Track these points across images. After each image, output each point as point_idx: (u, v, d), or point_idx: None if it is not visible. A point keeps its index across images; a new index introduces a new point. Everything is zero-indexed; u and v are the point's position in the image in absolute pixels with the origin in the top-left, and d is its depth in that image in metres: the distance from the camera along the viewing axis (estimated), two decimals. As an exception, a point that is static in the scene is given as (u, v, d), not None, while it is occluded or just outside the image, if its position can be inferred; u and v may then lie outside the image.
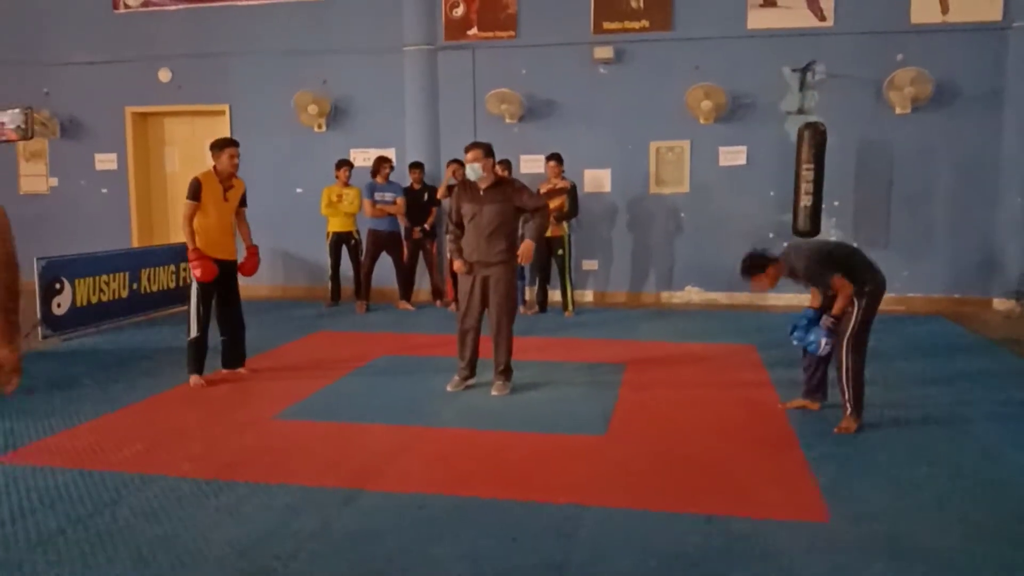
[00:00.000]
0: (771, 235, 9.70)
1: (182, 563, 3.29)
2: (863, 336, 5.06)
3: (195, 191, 5.97)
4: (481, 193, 5.78)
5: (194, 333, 6.13)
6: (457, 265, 5.91)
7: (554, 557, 3.33)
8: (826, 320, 5.02)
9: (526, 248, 5.79)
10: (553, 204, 9.08)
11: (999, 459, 4.49)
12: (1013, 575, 3.16)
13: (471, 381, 6.00)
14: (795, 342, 5.24)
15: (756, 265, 5.20)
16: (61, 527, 3.63)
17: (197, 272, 5.97)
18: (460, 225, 5.90)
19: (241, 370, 6.41)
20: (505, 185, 5.84)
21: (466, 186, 5.88)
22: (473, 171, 5.75)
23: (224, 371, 6.37)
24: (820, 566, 3.24)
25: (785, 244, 8.52)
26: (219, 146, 6.09)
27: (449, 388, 5.92)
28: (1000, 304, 9.34)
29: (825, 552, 3.36)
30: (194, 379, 6.13)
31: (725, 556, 3.33)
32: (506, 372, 5.92)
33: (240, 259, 6.34)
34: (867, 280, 5.07)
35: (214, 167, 6.09)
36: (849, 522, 3.65)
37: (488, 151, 5.77)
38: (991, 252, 9.39)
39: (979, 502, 3.88)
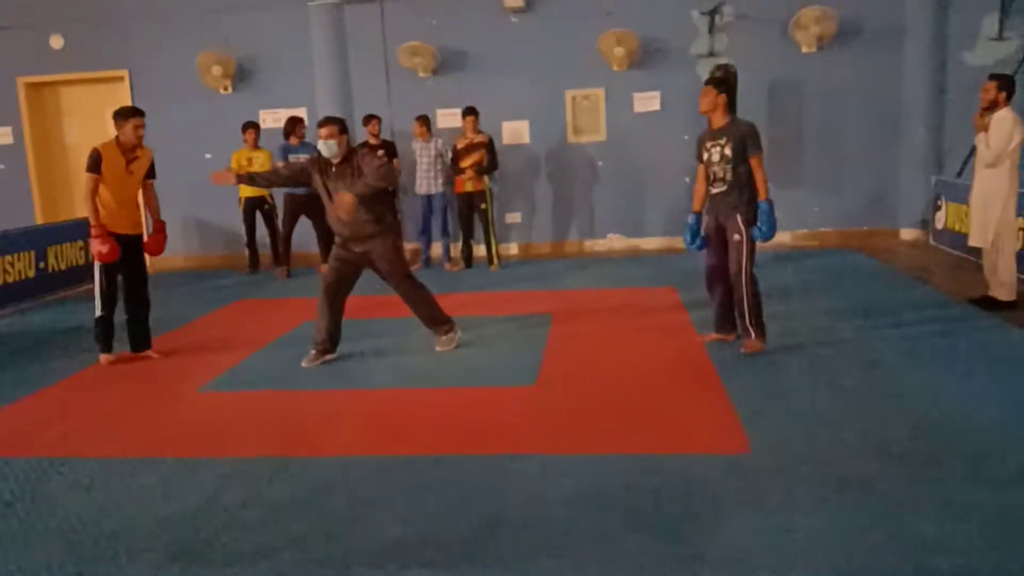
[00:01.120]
0: (687, 179, 9.84)
1: (110, 543, 3.23)
2: (753, 263, 5.33)
3: (95, 163, 5.66)
4: (333, 170, 5.49)
5: (99, 311, 5.89)
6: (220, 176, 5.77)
7: (489, 508, 3.38)
8: (764, 206, 5.24)
9: (339, 200, 5.33)
10: (472, 159, 9.04)
11: (907, 383, 4.71)
12: (920, 492, 3.34)
13: (330, 356, 5.69)
14: (692, 248, 5.59)
15: (721, 82, 5.40)
16: (-20, 518, 3.52)
17: (103, 248, 5.65)
18: (289, 179, 5.84)
19: (149, 352, 6.10)
20: (353, 158, 5.49)
21: (320, 162, 5.55)
22: (328, 148, 5.41)
23: (130, 354, 6.06)
24: (743, 495, 3.37)
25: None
26: (123, 115, 5.76)
27: (304, 364, 5.60)
28: (907, 234, 9.73)
29: (747, 482, 3.50)
30: (104, 358, 5.94)
31: (655, 493, 3.43)
32: (437, 327, 5.85)
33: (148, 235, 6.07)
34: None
35: (116, 138, 5.79)
36: (769, 452, 3.80)
37: (343, 128, 5.46)
38: (897, 184, 9.74)
39: (891, 425, 4.07)
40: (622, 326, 6.35)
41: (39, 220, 10.66)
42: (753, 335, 5.35)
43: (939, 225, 9.02)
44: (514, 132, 10.13)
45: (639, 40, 9.60)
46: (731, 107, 5.43)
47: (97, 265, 5.84)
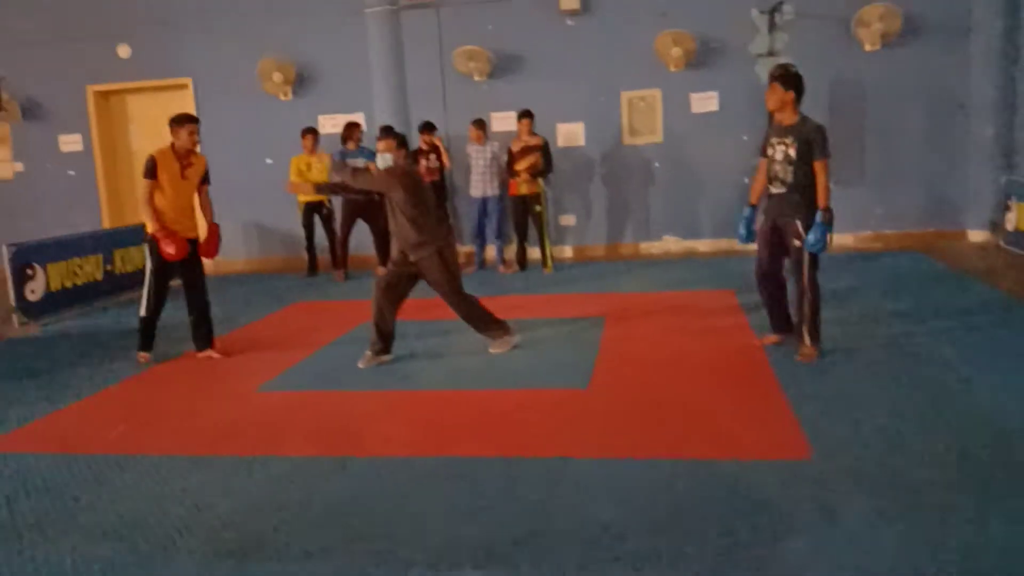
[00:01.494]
0: (746, 180, 9.68)
1: (171, 539, 3.29)
2: (817, 264, 5.16)
3: (151, 169, 5.79)
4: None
5: (143, 312, 6.06)
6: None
7: (540, 511, 3.35)
8: (824, 215, 5.03)
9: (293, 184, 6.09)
10: (527, 162, 9.04)
11: (975, 389, 4.55)
12: (993, 502, 3.21)
13: (386, 357, 5.74)
14: (745, 241, 5.46)
15: (791, 78, 5.19)
16: (47, 512, 3.62)
17: (170, 249, 5.80)
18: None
19: (211, 351, 6.20)
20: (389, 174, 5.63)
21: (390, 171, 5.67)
22: (383, 160, 5.59)
23: (196, 353, 6.21)
24: (804, 504, 3.28)
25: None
26: (178, 122, 5.87)
27: (361, 365, 5.66)
28: (975, 236, 9.42)
29: (808, 489, 3.41)
30: (141, 356, 6.11)
31: (710, 499, 3.37)
32: (490, 332, 5.85)
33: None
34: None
35: (172, 144, 5.91)
36: (830, 458, 3.70)
37: (401, 142, 5.67)
38: (964, 185, 9.44)
39: (956, 433, 3.93)
40: (678, 329, 6.27)
41: (106, 224, 10.99)
42: (808, 342, 5.22)
43: (1009, 226, 8.70)
44: (569, 134, 10.09)
45: (696, 40, 9.49)
46: (799, 105, 5.23)
47: (148, 268, 5.98)
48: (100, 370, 6.04)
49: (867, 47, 9.21)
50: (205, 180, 6.14)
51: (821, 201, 5.06)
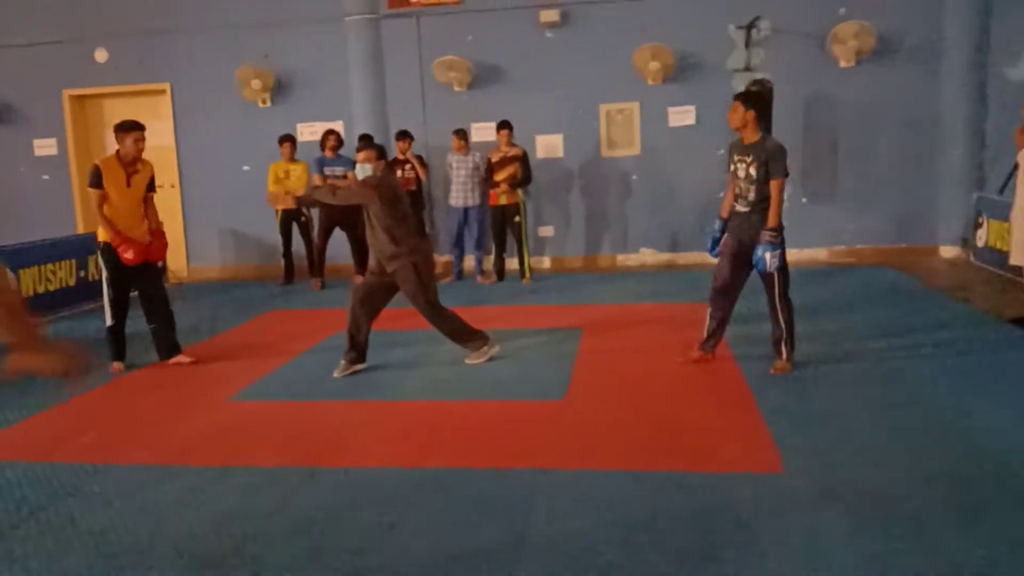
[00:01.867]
0: (721, 194, 9.76)
1: (140, 549, 3.26)
2: (788, 280, 5.25)
3: (95, 178, 5.74)
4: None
5: (109, 321, 6.03)
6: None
7: (516, 523, 3.36)
8: (766, 235, 5.09)
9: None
10: (506, 172, 9.06)
11: (946, 405, 4.60)
12: (959, 517, 3.25)
13: (360, 366, 5.73)
14: (713, 255, 5.49)
15: (752, 97, 5.29)
16: (13, 523, 3.57)
17: (128, 255, 5.79)
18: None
19: (180, 357, 6.15)
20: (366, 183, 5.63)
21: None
22: (363, 171, 5.58)
23: (164, 361, 6.15)
24: (776, 517, 3.31)
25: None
26: (124, 129, 5.78)
27: (335, 374, 5.64)
28: (946, 251, 9.55)
29: (780, 503, 3.43)
30: (114, 366, 6.04)
31: (684, 512, 3.39)
32: (468, 343, 5.84)
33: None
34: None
35: (117, 151, 5.84)
36: (802, 472, 3.73)
37: (381, 153, 5.67)
38: (936, 201, 9.57)
39: (927, 447, 3.98)
40: (654, 342, 6.30)
41: (80, 230, 10.86)
42: (785, 356, 5.27)
43: (980, 243, 8.83)
44: (548, 146, 10.13)
45: (674, 54, 9.57)
46: (763, 123, 5.30)
47: (105, 278, 5.97)
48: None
49: (842, 64, 9.33)
50: (150, 188, 6.04)
51: (771, 220, 5.10)
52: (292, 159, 9.53)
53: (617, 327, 6.87)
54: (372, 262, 5.74)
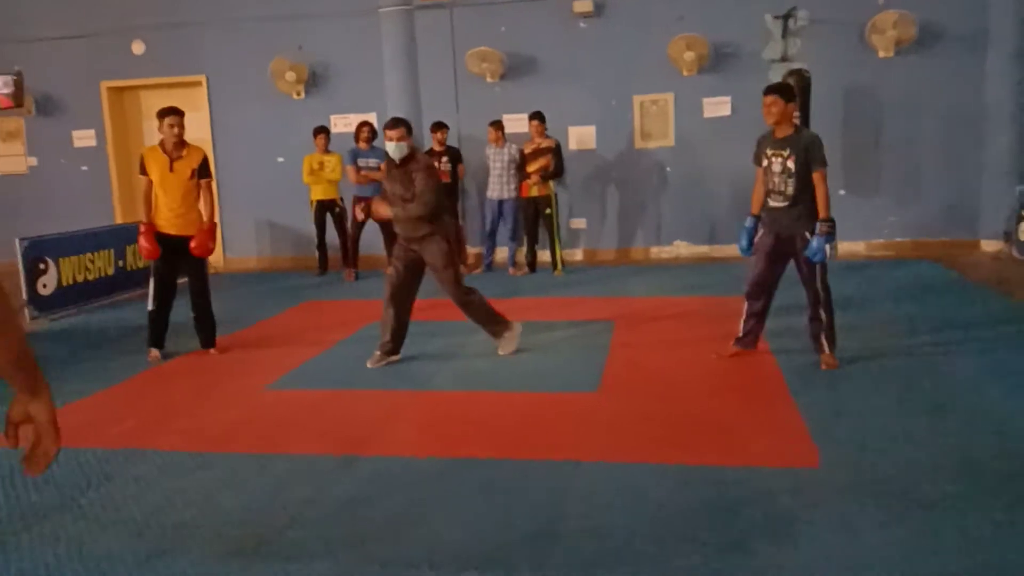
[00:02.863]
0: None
1: (178, 535, 3.30)
2: (826, 272, 5.17)
3: (141, 166, 5.94)
4: (395, 171, 5.57)
5: (149, 306, 6.09)
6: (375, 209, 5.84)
7: (550, 514, 3.35)
8: (823, 227, 4.99)
9: (375, 207, 5.80)
10: (538, 164, 9.04)
11: (986, 400, 4.51)
12: (1004, 513, 3.18)
13: (394, 357, 5.72)
14: (746, 254, 5.39)
15: (786, 90, 5.19)
16: (55, 505, 3.63)
17: (139, 247, 5.98)
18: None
19: (211, 351, 6.22)
20: (409, 162, 5.54)
21: (390, 162, 5.63)
22: (398, 150, 5.48)
23: (201, 350, 6.24)
24: (813, 512, 3.26)
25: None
26: (160, 114, 5.89)
27: (369, 364, 5.65)
28: (988, 245, 9.36)
29: (816, 498, 3.38)
30: (152, 353, 6.09)
31: (719, 505, 3.35)
32: (493, 328, 5.82)
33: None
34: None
35: (162, 139, 5.95)
36: (839, 467, 3.67)
37: (410, 130, 5.54)
38: (978, 194, 9.39)
39: (967, 443, 3.90)
40: (688, 335, 6.24)
41: (119, 220, 11.03)
42: (828, 350, 5.18)
43: (1022, 237, 8.64)
44: (581, 137, 10.08)
45: (710, 45, 9.47)
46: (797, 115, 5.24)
47: (152, 264, 6.04)
48: (110, 365, 6.05)
49: (881, 54, 9.17)
50: (203, 174, 6.02)
51: (822, 211, 5.01)
52: (326, 150, 9.58)
53: (650, 320, 6.82)
54: (399, 244, 5.70)
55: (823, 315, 5.16)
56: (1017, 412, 4.27)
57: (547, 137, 9.14)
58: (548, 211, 9.16)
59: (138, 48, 10.86)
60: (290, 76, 10.22)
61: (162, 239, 5.92)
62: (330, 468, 3.92)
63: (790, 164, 5.06)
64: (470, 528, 3.26)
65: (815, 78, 8.86)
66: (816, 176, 5.03)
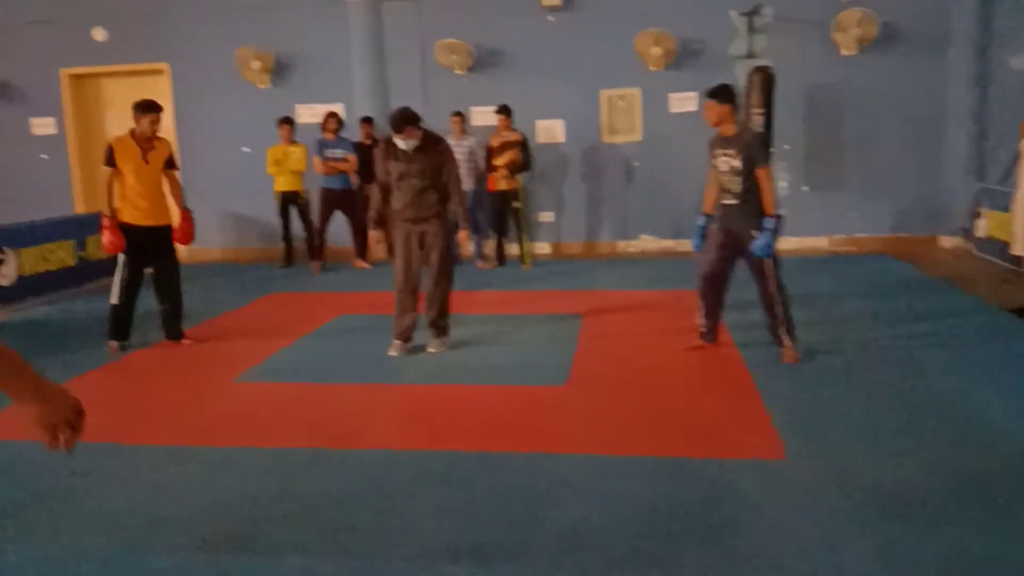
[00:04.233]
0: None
1: (152, 530, 3.28)
2: (779, 264, 5.29)
3: (108, 157, 5.81)
4: (410, 152, 5.60)
5: (114, 299, 5.99)
6: (373, 235, 5.95)
7: (523, 506, 3.38)
8: (768, 223, 5.11)
9: (463, 238, 5.99)
10: (506, 157, 9.05)
11: (948, 394, 4.63)
12: (965, 507, 3.28)
13: (411, 344, 5.83)
14: (698, 251, 5.46)
15: (725, 93, 5.24)
16: (25, 499, 3.59)
17: (104, 241, 5.87)
18: (387, 188, 5.75)
19: (184, 341, 6.20)
20: (433, 146, 5.65)
21: (390, 146, 5.67)
22: (408, 145, 5.54)
23: (167, 342, 6.20)
24: (779, 504, 3.33)
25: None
26: (142, 109, 5.84)
27: (393, 353, 5.73)
28: (947, 241, 9.58)
29: (782, 490, 3.46)
30: (111, 346, 6.03)
31: (686, 497, 3.41)
32: (440, 327, 5.84)
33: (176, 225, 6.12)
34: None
35: (132, 130, 5.89)
36: (804, 459, 3.75)
37: (415, 121, 5.55)
38: (938, 191, 9.59)
39: (931, 436, 4.00)
40: (654, 328, 6.32)
41: (79, 210, 10.83)
42: (789, 343, 5.29)
43: (980, 233, 8.86)
44: (548, 131, 10.11)
45: (676, 40, 9.55)
46: (739, 114, 5.33)
47: (120, 256, 5.93)
48: (72, 358, 5.96)
49: (844, 51, 9.32)
50: (172, 165, 6.07)
51: (768, 208, 5.13)
52: (291, 141, 9.50)
53: (617, 313, 6.89)
54: (402, 230, 5.74)
55: (778, 310, 5.28)
56: (980, 406, 4.39)
57: (514, 130, 9.16)
58: (516, 204, 9.18)
59: (99, 35, 10.66)
60: (255, 65, 10.11)
61: (131, 231, 5.86)
62: (302, 461, 3.91)
63: (736, 163, 5.19)
64: (444, 521, 3.28)
65: (780, 74, 8.96)
66: (760, 174, 5.15)
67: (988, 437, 3.96)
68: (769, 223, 5.10)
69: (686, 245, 9.92)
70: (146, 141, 5.88)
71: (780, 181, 9.62)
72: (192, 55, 10.48)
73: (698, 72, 9.68)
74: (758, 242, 5.11)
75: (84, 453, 4.04)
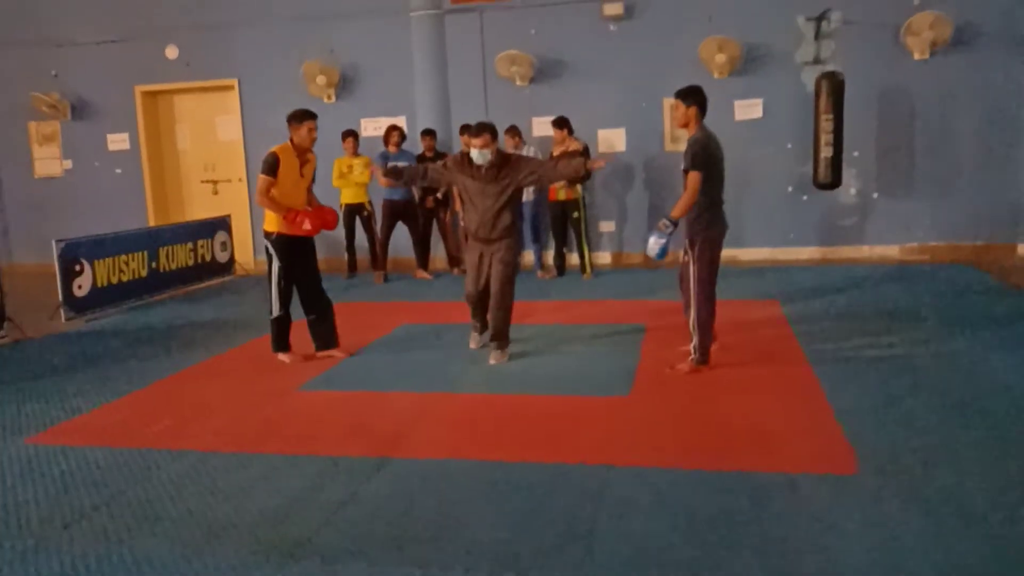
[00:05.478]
0: (790, 188, 9.61)
1: (215, 535, 3.32)
2: (712, 279, 5.27)
3: (271, 166, 5.60)
4: (483, 171, 5.66)
5: (276, 311, 5.86)
6: (380, 176, 6.13)
7: (583, 518, 3.33)
8: (660, 223, 5.15)
9: (592, 163, 5.90)
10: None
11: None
12: (1048, 520, 3.12)
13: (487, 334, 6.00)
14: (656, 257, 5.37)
15: (693, 94, 5.32)
16: (94, 504, 3.67)
17: (307, 225, 5.67)
18: (435, 181, 6.17)
19: (335, 351, 6.09)
20: (509, 163, 5.71)
21: (466, 161, 5.74)
22: (482, 156, 5.60)
23: (320, 353, 6.07)
24: (851, 519, 3.21)
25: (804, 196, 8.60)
26: (298, 118, 5.70)
27: (472, 346, 6.07)
28: (1025, 249, 9.22)
29: (856, 505, 3.34)
30: (281, 356, 5.96)
31: (756, 512, 3.31)
32: (500, 340, 5.81)
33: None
34: (714, 214, 5.21)
35: (291, 140, 5.74)
36: (878, 473, 3.62)
37: (495, 134, 5.68)
38: (1015, 197, 9.23)
39: (1008, 450, 3.83)
40: (720, 339, 6.18)
41: (152, 222, 11.16)
42: (692, 355, 5.30)
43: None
44: (609, 140, 10.05)
45: (741, 46, 9.40)
46: (702, 117, 5.34)
47: (274, 267, 5.79)
48: (145, 366, 6.12)
49: (916, 56, 9.05)
50: (313, 179, 6.00)
51: (675, 209, 5.15)
52: (355, 153, 9.62)
53: (680, 323, 6.72)
54: (473, 245, 5.87)
55: (694, 312, 5.28)
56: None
57: (575, 140, 9.11)
58: (576, 214, 9.14)
59: (171, 52, 10.99)
60: (321, 80, 10.29)
61: (291, 242, 5.77)
62: (364, 469, 3.93)
63: (683, 165, 5.23)
64: (504, 531, 3.25)
65: (849, 80, 8.77)
66: (687, 177, 5.14)
67: (1076, 453, 3.77)
68: (661, 223, 5.12)
69: (747, 254, 9.79)
70: (303, 153, 5.80)
71: (850, 188, 9.40)
72: (260, 70, 10.72)
73: (764, 78, 9.54)
74: (649, 242, 5.16)
75: (154, 458, 4.16)
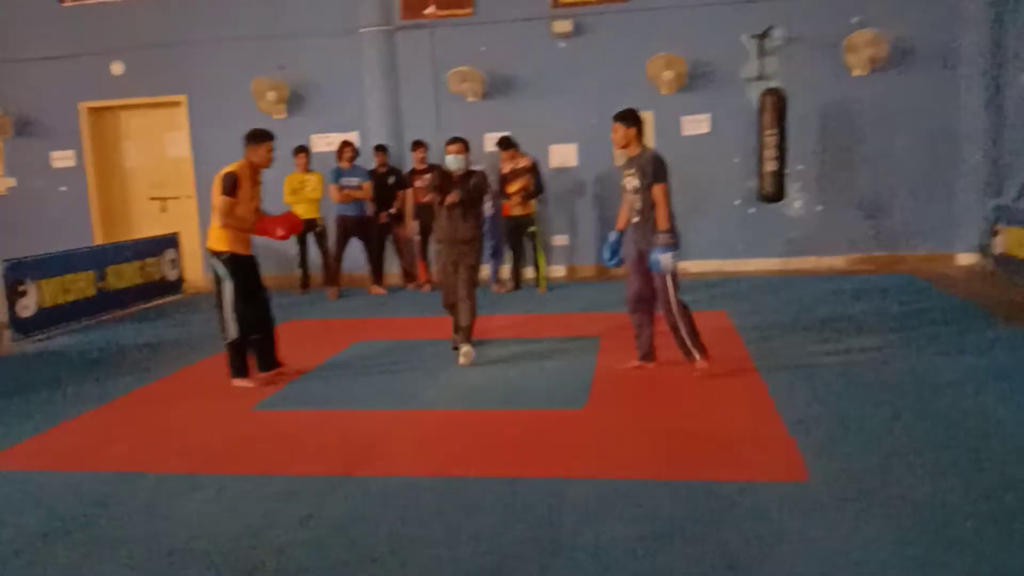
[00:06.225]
0: (737, 202, 9.82)
1: (172, 560, 3.29)
2: (677, 285, 5.46)
3: (231, 187, 5.54)
4: (454, 180, 6.22)
5: (232, 335, 5.70)
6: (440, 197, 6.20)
7: (545, 532, 3.37)
8: (659, 238, 5.34)
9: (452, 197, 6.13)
10: (518, 184, 9.09)
11: (970, 410, 4.59)
12: (989, 524, 3.25)
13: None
14: (609, 265, 5.72)
15: (629, 116, 5.51)
16: (46, 530, 3.60)
17: (282, 231, 5.79)
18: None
19: (283, 369, 6.01)
20: (474, 175, 6.29)
21: (445, 174, 6.29)
22: (456, 162, 6.24)
23: (262, 375, 5.90)
24: (805, 526, 3.31)
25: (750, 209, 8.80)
26: (256, 139, 5.65)
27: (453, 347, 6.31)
28: (963, 259, 9.53)
29: (807, 511, 3.44)
30: (239, 382, 5.79)
31: (710, 520, 3.39)
32: (468, 335, 6.16)
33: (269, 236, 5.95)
34: (674, 226, 5.44)
35: (249, 160, 5.68)
36: (829, 480, 3.73)
37: (467, 146, 6.40)
38: (953, 208, 9.55)
39: (952, 453, 3.98)
40: (672, 350, 6.29)
41: (98, 240, 10.95)
42: (698, 358, 5.46)
43: (997, 250, 8.81)
44: (561, 155, 10.16)
45: (688, 63, 9.60)
46: (642, 137, 5.57)
47: (227, 288, 5.66)
48: (95, 387, 6.01)
49: (856, 72, 9.34)
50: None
51: (660, 222, 5.35)
52: (307, 169, 9.59)
53: (634, 335, 6.85)
54: (443, 251, 6.24)
55: (680, 329, 5.45)
56: (1003, 419, 4.36)
57: (523, 156, 9.20)
58: (532, 229, 9.22)
59: (117, 69, 10.83)
60: (271, 96, 10.23)
61: (239, 261, 5.70)
62: (324, 489, 3.92)
63: (636, 182, 5.44)
64: (468, 547, 3.28)
65: (792, 96, 9.02)
66: (655, 191, 5.37)
67: (1013, 452, 3.93)
68: (662, 238, 5.30)
69: (696, 266, 9.97)
70: (257, 173, 5.76)
71: (795, 201, 9.65)
72: (209, 86, 10.62)
73: (710, 95, 9.74)
74: (651, 257, 5.33)
75: (109, 481, 4.10)
